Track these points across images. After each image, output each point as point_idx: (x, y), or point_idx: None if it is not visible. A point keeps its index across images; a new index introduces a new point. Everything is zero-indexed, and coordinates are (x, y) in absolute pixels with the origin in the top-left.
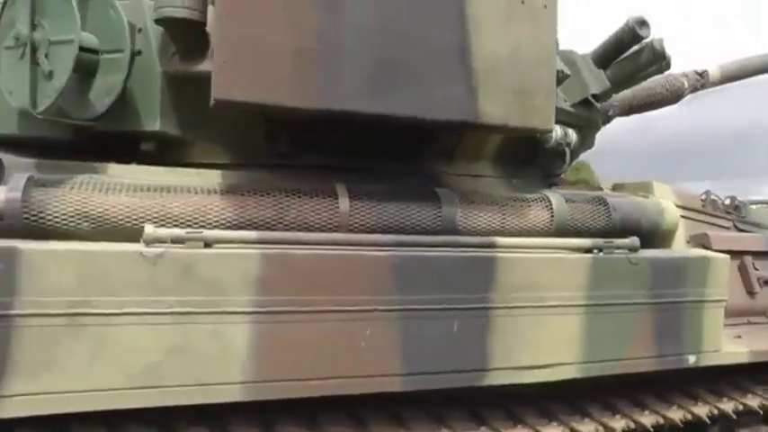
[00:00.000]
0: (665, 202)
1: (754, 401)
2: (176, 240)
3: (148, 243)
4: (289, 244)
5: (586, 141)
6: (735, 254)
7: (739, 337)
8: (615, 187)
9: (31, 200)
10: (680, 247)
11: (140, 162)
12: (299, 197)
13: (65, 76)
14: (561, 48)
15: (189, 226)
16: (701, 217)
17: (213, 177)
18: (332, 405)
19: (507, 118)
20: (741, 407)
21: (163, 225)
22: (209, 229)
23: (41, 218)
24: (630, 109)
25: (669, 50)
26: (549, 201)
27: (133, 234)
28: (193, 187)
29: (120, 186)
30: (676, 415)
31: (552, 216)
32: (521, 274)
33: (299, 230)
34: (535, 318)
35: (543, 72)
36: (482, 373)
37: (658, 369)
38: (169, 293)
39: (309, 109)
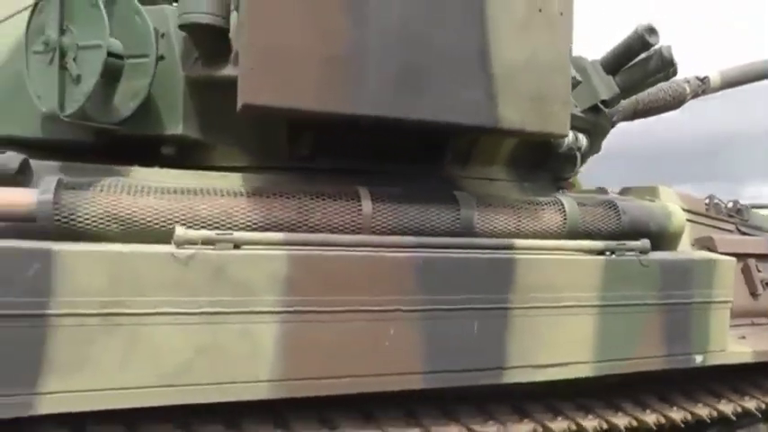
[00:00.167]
0: (672, 206)
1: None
2: (207, 242)
3: (179, 244)
4: (314, 245)
5: (594, 146)
6: (739, 256)
7: (743, 337)
8: (622, 191)
9: (61, 202)
10: (685, 250)
11: (161, 165)
12: (323, 200)
13: (93, 80)
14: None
15: (216, 228)
16: (705, 220)
17: (236, 180)
18: (345, 402)
19: (525, 123)
20: (740, 408)
21: (191, 227)
22: (236, 230)
23: (72, 220)
24: (634, 114)
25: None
26: (562, 204)
27: (161, 236)
28: (219, 190)
29: (147, 189)
30: (678, 415)
31: (565, 219)
32: (538, 275)
33: (322, 232)
34: (551, 318)
35: (559, 78)
36: (500, 371)
37: (667, 368)
38: (199, 294)
39: (335, 113)
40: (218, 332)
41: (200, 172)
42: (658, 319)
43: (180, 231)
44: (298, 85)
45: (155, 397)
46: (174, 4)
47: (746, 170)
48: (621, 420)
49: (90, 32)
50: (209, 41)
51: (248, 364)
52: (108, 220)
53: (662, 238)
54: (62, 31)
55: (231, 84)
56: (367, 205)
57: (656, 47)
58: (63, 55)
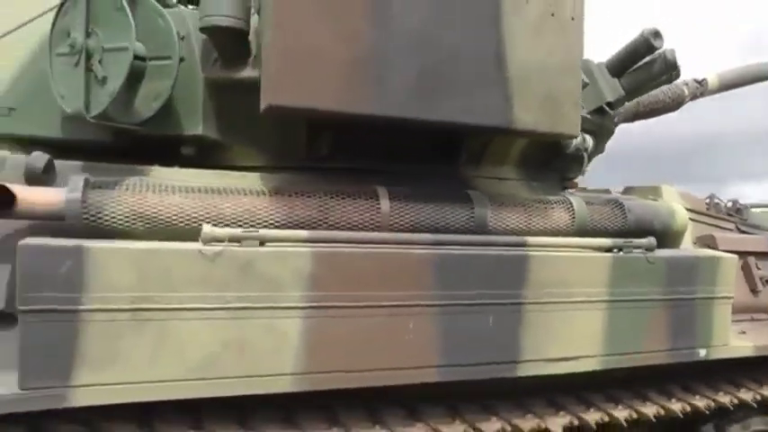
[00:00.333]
0: (676, 205)
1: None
2: (233, 239)
3: (206, 242)
4: (337, 242)
5: (599, 147)
6: (739, 254)
7: (744, 332)
8: (625, 191)
9: (88, 201)
10: (688, 248)
11: (180, 165)
12: (343, 198)
13: (118, 82)
14: None
15: (239, 226)
16: (706, 219)
17: (256, 180)
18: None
19: (538, 124)
20: (736, 400)
21: (215, 225)
22: (259, 228)
23: (99, 218)
24: (635, 116)
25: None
26: (571, 203)
27: (185, 234)
28: (242, 189)
29: (172, 188)
30: (676, 407)
31: (573, 217)
32: (550, 271)
33: (342, 230)
34: (563, 313)
35: (570, 80)
36: (514, 364)
37: (671, 362)
38: (226, 289)
39: (357, 114)
40: (244, 327)
41: (220, 171)
42: (664, 315)
43: (207, 229)
44: (321, 86)
45: (183, 390)
46: (190, 6)
47: (726, 171)
48: (621, 413)
49: (116, 35)
50: (230, 44)
51: (273, 358)
52: (134, 219)
53: (666, 236)
54: (88, 34)
55: (250, 85)
56: (385, 204)
57: (661, 50)
58: (89, 57)
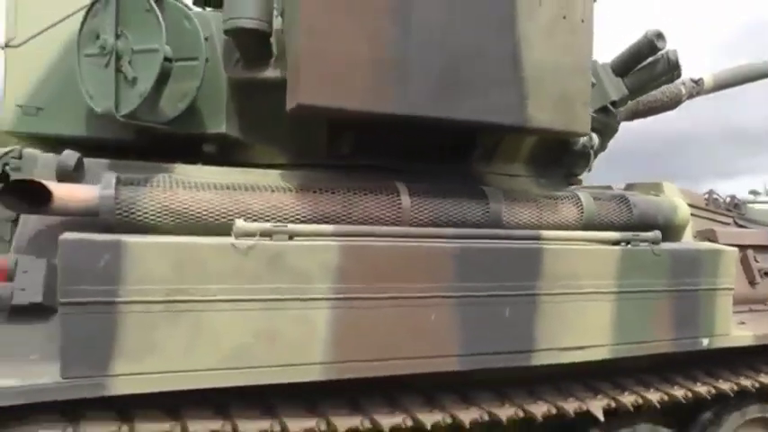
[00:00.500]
0: (678, 200)
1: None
2: (264, 234)
3: (238, 236)
4: (361, 236)
5: (603, 145)
6: (738, 247)
7: (743, 323)
8: (627, 187)
9: (121, 197)
10: (689, 241)
11: (203, 163)
12: (365, 194)
13: (149, 82)
14: None
15: (266, 221)
16: (705, 214)
17: (278, 177)
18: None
19: (552, 122)
20: (736, 387)
21: (244, 220)
22: (285, 223)
23: (131, 213)
24: (634, 114)
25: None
26: (579, 198)
27: (213, 228)
28: (268, 186)
29: (198, 185)
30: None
31: (582, 212)
32: (563, 264)
33: (364, 224)
34: (575, 303)
35: (581, 80)
36: (529, 354)
37: (676, 351)
38: (258, 282)
39: (381, 113)
40: (274, 318)
41: (243, 169)
42: (669, 305)
43: (239, 224)
44: (348, 86)
45: (216, 379)
46: (208, 8)
47: (700, 170)
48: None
49: (145, 37)
50: (253, 45)
51: (303, 348)
52: (165, 214)
53: (668, 230)
54: (117, 36)
55: (272, 85)
56: (405, 199)
57: (664, 51)
58: (119, 58)
